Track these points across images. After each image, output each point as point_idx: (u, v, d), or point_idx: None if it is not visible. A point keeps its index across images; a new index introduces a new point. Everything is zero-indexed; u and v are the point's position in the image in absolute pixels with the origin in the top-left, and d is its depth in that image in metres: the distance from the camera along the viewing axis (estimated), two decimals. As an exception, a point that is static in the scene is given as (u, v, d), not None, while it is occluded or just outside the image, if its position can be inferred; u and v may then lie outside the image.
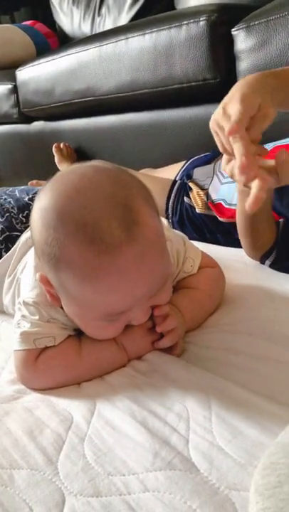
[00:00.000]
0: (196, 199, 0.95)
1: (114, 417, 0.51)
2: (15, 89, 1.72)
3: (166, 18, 1.17)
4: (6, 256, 0.75)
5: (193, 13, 1.06)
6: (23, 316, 0.58)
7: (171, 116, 1.26)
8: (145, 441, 0.47)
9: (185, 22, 1.06)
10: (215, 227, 0.92)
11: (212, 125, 0.59)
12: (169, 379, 0.55)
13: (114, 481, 0.43)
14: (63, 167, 1.60)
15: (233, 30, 1.01)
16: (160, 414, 0.50)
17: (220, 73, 1.05)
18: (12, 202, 0.81)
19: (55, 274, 0.51)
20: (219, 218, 0.90)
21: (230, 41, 1.03)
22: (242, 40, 0.99)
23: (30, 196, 0.82)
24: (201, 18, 1.03)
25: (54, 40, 2.37)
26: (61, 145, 1.64)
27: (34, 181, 1.52)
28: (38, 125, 1.77)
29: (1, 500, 0.43)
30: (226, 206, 0.89)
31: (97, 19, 2.20)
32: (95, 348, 0.58)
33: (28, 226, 0.77)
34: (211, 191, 0.93)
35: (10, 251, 0.75)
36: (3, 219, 0.78)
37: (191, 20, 1.05)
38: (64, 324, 0.59)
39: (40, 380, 0.58)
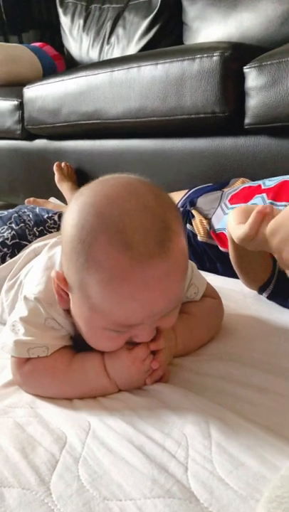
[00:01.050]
0: (198, 227, 0.96)
1: (110, 439, 0.50)
2: (20, 106, 1.74)
3: (180, 50, 1.20)
4: (10, 261, 0.77)
5: (208, 48, 1.10)
6: (21, 319, 0.58)
7: (175, 145, 1.28)
8: (143, 467, 0.45)
9: (198, 56, 1.09)
10: (215, 256, 0.92)
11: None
12: (166, 405, 0.54)
13: (110, 506, 0.41)
14: (63, 186, 1.60)
15: (245, 67, 1.04)
16: (158, 440, 0.49)
17: (228, 107, 1.07)
18: (31, 216, 0.83)
19: (79, 273, 0.50)
20: (220, 248, 0.90)
21: (242, 78, 1.05)
22: (253, 77, 1.02)
23: (50, 215, 0.84)
24: (215, 54, 1.06)
25: (61, 63, 2.41)
26: (62, 164, 1.65)
27: (31, 199, 1.51)
28: (40, 143, 1.77)
29: (-11, 519, 0.41)
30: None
31: (106, 47, 2.25)
32: (84, 374, 0.57)
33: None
34: (214, 220, 0.93)
35: (15, 257, 0.77)
36: (17, 227, 0.80)
37: (205, 55, 1.08)
38: (59, 325, 0.58)
39: (29, 383, 0.59)
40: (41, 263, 0.64)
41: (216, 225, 0.92)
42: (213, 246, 0.92)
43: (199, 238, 0.94)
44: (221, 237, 0.90)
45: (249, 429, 0.49)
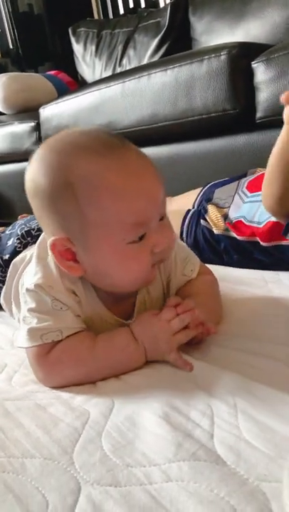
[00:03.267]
0: (213, 221, 0.95)
1: (133, 413, 0.49)
2: (37, 127, 1.78)
3: (188, 55, 1.22)
4: (22, 253, 0.78)
5: (215, 49, 1.11)
6: (30, 310, 0.58)
7: (189, 149, 1.29)
8: (167, 434, 0.44)
9: (206, 57, 1.11)
10: (233, 248, 0.91)
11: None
12: (191, 380, 0.53)
13: (134, 472, 0.40)
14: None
15: (253, 62, 1.05)
16: (182, 411, 0.47)
17: (239, 104, 1.08)
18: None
19: (75, 205, 0.53)
20: (237, 237, 0.89)
21: (250, 73, 1.06)
22: (262, 71, 1.03)
23: None
24: (222, 53, 1.08)
25: (75, 88, 2.48)
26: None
27: (24, 214, 1.50)
28: (57, 161, 1.81)
29: (11, 488, 0.40)
30: (246, 223, 0.88)
31: (118, 69, 2.31)
32: (110, 346, 0.56)
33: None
34: (231, 210, 0.93)
35: (27, 248, 0.78)
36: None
37: (213, 55, 1.10)
38: (65, 305, 0.58)
39: (53, 373, 0.57)
40: (35, 254, 0.64)
41: (234, 214, 0.91)
42: (231, 237, 0.91)
43: (215, 231, 0.93)
44: (238, 225, 0.90)
45: (275, 395, 0.48)
